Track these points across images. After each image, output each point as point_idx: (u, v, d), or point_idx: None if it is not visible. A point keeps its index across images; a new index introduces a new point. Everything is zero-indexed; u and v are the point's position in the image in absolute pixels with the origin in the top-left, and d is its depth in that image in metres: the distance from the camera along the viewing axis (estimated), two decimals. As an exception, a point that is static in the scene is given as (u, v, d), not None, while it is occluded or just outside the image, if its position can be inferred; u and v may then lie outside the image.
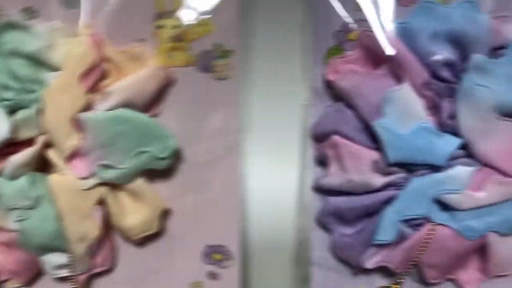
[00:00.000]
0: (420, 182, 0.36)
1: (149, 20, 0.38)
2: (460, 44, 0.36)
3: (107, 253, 0.40)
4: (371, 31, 0.37)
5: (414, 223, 0.37)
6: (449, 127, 0.37)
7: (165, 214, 0.40)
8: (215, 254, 0.41)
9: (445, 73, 0.36)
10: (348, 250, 0.38)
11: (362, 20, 0.37)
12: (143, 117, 0.37)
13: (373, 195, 0.37)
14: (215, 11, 0.38)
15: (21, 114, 0.36)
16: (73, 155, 0.37)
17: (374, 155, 0.36)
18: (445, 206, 0.37)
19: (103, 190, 0.38)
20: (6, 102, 0.36)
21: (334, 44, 0.38)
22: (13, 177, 0.37)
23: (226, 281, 0.41)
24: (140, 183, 0.38)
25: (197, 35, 0.39)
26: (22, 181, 0.37)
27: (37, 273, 0.40)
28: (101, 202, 0.38)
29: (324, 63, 0.39)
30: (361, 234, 0.38)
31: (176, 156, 0.39)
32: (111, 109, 0.37)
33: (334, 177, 0.38)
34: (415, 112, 0.36)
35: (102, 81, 0.38)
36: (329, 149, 0.38)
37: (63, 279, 0.40)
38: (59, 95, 0.36)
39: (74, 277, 0.39)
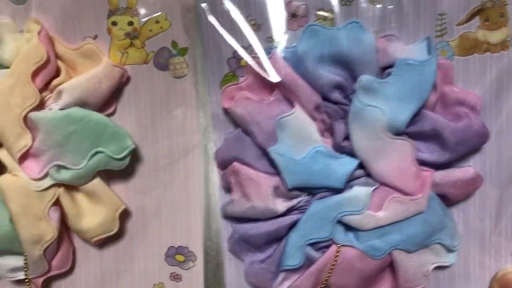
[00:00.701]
0: (321, 205, 0.37)
1: (102, 17, 0.37)
2: (348, 65, 0.36)
3: (64, 255, 0.39)
4: (258, 58, 0.37)
5: (320, 245, 0.37)
6: (345, 149, 0.37)
7: (125, 215, 0.39)
8: (178, 256, 0.40)
9: (336, 95, 0.36)
10: (258, 277, 0.39)
11: (249, 46, 0.37)
12: (97, 116, 0.36)
13: (277, 220, 0.37)
14: (170, 7, 0.37)
15: (-31, 114, 0.35)
16: (25, 156, 0.36)
17: (274, 180, 0.37)
18: (348, 227, 0.37)
19: (58, 191, 0.37)
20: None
21: (229, 71, 0.38)
22: (-36, 181, 0.36)
23: (189, 283, 0.41)
24: (96, 184, 0.37)
25: (152, 32, 0.37)
26: (-28, 184, 0.36)
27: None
28: (57, 203, 0.37)
29: (220, 90, 0.38)
30: (270, 260, 0.38)
31: (135, 156, 0.38)
32: (63, 108, 0.36)
33: (237, 204, 0.38)
34: (308, 136, 0.36)
35: (54, 79, 0.36)
36: (231, 176, 0.38)
37: (19, 282, 0.39)
38: (9, 94, 0.35)
39: (30, 280, 0.38)
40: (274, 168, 0.37)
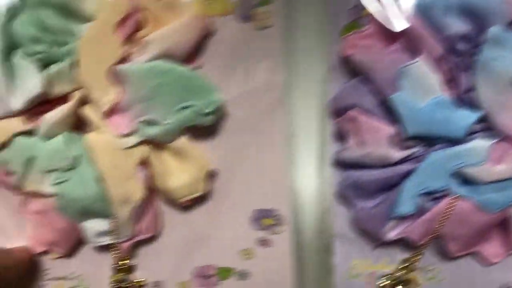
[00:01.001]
0: (439, 156, 0.36)
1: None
2: (476, 16, 0.35)
3: (151, 219, 0.37)
4: (383, 7, 0.36)
5: (434, 196, 0.37)
6: (466, 101, 0.36)
7: (210, 176, 0.37)
8: (265, 219, 0.38)
9: (462, 46, 0.36)
10: (368, 223, 0.38)
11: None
12: (185, 69, 0.34)
13: (391, 168, 0.37)
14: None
15: (53, 68, 0.34)
16: (111, 111, 0.34)
17: (391, 129, 0.36)
18: (465, 179, 0.36)
19: (145, 149, 0.35)
20: (37, 56, 0.33)
21: (350, 21, 0.38)
22: (49, 136, 0.34)
23: (279, 248, 0.38)
24: (184, 142, 0.35)
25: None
26: (58, 140, 0.34)
27: (78, 243, 0.38)
28: (144, 162, 0.36)
29: (340, 40, 0.38)
30: (381, 206, 0.38)
31: (218, 113, 0.36)
32: (149, 60, 0.34)
33: (353, 151, 0.38)
34: (431, 86, 0.36)
35: (138, 31, 0.35)
36: (348, 123, 0.38)
37: (105, 247, 0.37)
38: (94, 47, 0.33)
39: (117, 244, 0.36)
40: (392, 117, 0.36)
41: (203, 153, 0.36)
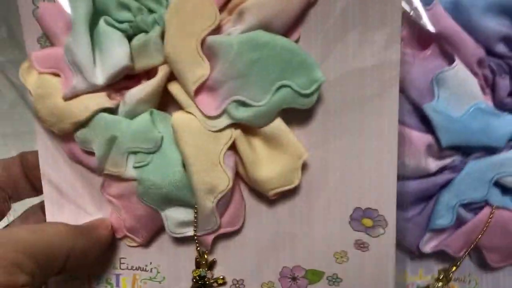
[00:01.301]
0: (478, 165, 0.35)
1: None
2: None
3: (236, 211, 0.33)
4: (416, 9, 0.34)
5: (472, 206, 0.36)
6: (507, 106, 0.35)
7: (304, 167, 0.33)
8: (365, 219, 0.33)
9: (501, 48, 0.34)
10: (405, 234, 0.37)
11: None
12: (285, 41, 0.30)
13: (428, 179, 0.36)
14: None
15: (140, 39, 0.30)
16: (201, 89, 0.30)
17: (427, 138, 0.35)
18: (505, 189, 0.36)
19: (235, 133, 0.31)
20: (123, 25, 0.30)
21: None
22: (132, 114, 0.31)
23: (377, 253, 0.33)
24: (278, 125, 0.31)
25: None
26: (143, 119, 0.31)
27: (157, 232, 0.35)
28: (232, 149, 0.32)
29: None
30: (418, 218, 0.37)
31: (318, 95, 0.31)
32: (246, 31, 0.30)
33: None
34: (469, 92, 0.34)
35: (234, -1, 0.31)
36: None
37: (185, 239, 0.34)
38: (185, 15, 0.29)
39: (199, 237, 0.33)
40: (427, 126, 0.35)
41: (297, 140, 0.32)
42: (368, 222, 0.33)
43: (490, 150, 0.35)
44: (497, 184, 0.35)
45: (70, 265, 0.30)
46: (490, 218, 0.35)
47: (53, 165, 0.35)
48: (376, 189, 0.33)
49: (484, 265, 0.37)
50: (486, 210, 0.35)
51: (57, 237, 0.30)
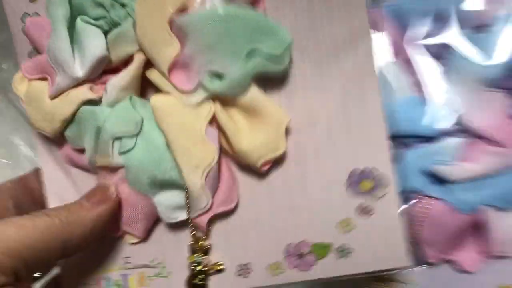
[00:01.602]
0: (414, 155, 0.36)
1: None
2: (447, 20, 0.36)
3: (228, 189, 0.32)
4: None
5: (407, 197, 0.36)
6: (439, 101, 0.36)
7: (289, 133, 0.32)
8: (364, 181, 0.32)
9: (434, 50, 0.37)
10: None
11: None
12: (249, 11, 0.31)
13: None
14: None
15: (115, 31, 0.32)
16: (174, 67, 0.31)
17: None
18: (438, 180, 0.36)
19: (214, 106, 0.31)
20: (99, 22, 0.32)
21: None
22: (115, 103, 0.32)
23: (383, 216, 0.31)
24: (254, 93, 0.31)
25: None
26: (123, 104, 0.32)
27: (155, 223, 0.34)
28: (213, 122, 0.32)
29: None
30: None
31: (291, 57, 0.31)
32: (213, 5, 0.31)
33: None
34: (403, 87, 0.37)
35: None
36: None
37: (184, 227, 0.33)
38: (152, 1, 0.31)
39: (194, 220, 0.32)
40: None
41: (277, 105, 0.31)
42: (367, 184, 0.31)
43: (426, 141, 0.36)
44: (431, 175, 0.36)
45: (68, 253, 0.30)
46: (424, 208, 0.35)
47: (56, 176, 0.36)
48: (371, 147, 0.31)
49: (421, 260, 0.37)
50: (420, 201, 0.36)
51: (49, 230, 0.29)
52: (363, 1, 0.31)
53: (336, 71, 0.32)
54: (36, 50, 0.34)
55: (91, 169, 0.34)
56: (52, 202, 0.35)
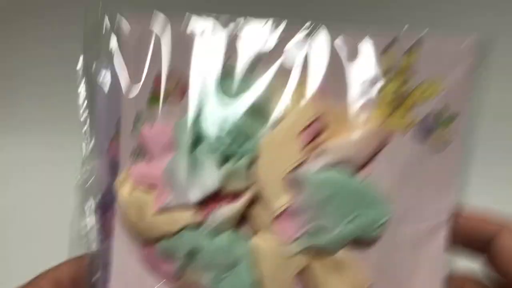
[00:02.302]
0: None
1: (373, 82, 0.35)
2: None
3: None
4: None
5: None
6: None
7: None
8: None
9: None
10: None
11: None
12: (357, 182, 0.34)
13: None
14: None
15: (231, 165, 0.34)
16: (280, 215, 0.34)
17: None
18: None
19: (305, 258, 0.34)
20: (218, 152, 0.34)
21: None
22: (214, 232, 0.34)
23: None
24: (347, 253, 0.34)
25: (420, 99, 0.35)
26: (224, 238, 0.34)
27: None
28: (302, 273, 0.34)
29: None
30: None
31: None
32: (324, 167, 0.34)
33: None
34: None
35: (316, 137, 0.35)
36: None
37: None
38: (276, 149, 0.33)
39: None
40: None
41: (361, 267, 0.35)
42: None
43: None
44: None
45: None
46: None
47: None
48: None
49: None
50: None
51: None
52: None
53: (410, 252, 0.35)
54: (142, 155, 0.35)
55: (173, 279, 0.35)
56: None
